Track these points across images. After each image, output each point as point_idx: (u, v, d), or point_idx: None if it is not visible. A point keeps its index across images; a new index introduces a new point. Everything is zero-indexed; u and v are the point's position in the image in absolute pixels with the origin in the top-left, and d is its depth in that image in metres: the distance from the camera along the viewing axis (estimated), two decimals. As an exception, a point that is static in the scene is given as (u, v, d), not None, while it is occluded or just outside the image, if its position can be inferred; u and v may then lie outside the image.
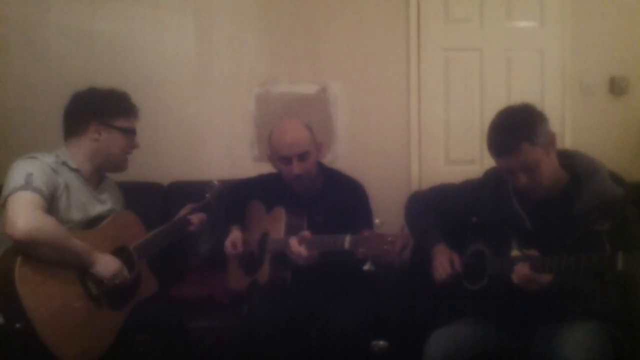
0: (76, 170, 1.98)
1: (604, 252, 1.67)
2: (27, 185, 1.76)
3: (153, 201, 2.74)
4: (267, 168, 2.52)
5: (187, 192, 2.66)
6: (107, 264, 1.87)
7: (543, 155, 1.78)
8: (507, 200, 1.92)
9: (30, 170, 1.82)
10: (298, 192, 2.30)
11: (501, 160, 1.83)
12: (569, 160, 1.87)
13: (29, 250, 1.69)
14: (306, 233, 2.08)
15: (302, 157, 2.21)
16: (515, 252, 1.81)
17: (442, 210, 2.15)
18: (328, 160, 2.43)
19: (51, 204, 1.84)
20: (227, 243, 2.35)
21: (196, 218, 2.32)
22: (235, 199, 2.48)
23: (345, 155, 3.17)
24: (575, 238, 1.74)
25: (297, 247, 2.05)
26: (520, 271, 1.73)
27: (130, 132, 2.07)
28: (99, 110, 2.02)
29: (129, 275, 1.95)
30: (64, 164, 1.96)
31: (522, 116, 1.82)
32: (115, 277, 1.88)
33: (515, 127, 1.79)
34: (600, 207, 1.75)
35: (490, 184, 2.00)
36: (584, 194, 1.78)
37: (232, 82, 3.13)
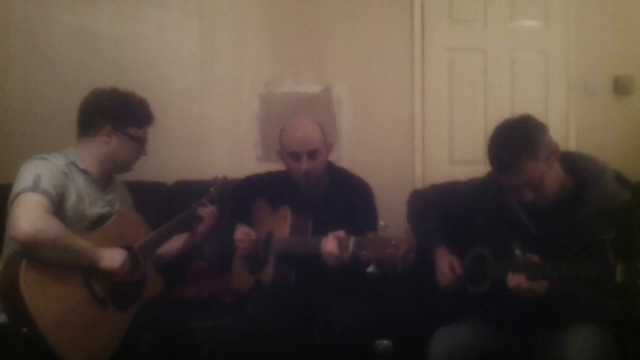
0: (84, 171, 1.98)
1: (605, 262, 1.62)
2: (35, 187, 1.75)
3: (157, 201, 2.74)
4: (270, 168, 2.52)
5: (191, 191, 2.64)
6: (113, 257, 1.86)
7: (545, 169, 1.75)
8: (509, 204, 1.88)
9: (40, 171, 1.81)
10: (304, 192, 2.30)
11: (503, 177, 1.80)
12: (573, 163, 1.84)
13: (32, 252, 1.68)
14: (341, 233, 1.98)
15: (312, 154, 2.20)
16: (517, 252, 1.78)
17: (443, 210, 2.13)
18: (332, 160, 2.43)
19: (59, 205, 1.84)
20: (238, 235, 2.30)
21: (206, 211, 2.27)
22: (241, 197, 2.46)
23: (349, 155, 3.17)
24: (579, 247, 1.71)
25: (330, 246, 1.95)
26: (515, 281, 1.71)
27: (141, 141, 2.06)
28: (114, 114, 1.99)
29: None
30: (73, 164, 1.95)
31: (521, 131, 1.77)
32: (124, 267, 1.87)
33: (516, 143, 1.74)
34: (605, 214, 1.71)
35: (492, 186, 1.95)
36: (589, 200, 1.75)
37: (236, 83, 3.13)
